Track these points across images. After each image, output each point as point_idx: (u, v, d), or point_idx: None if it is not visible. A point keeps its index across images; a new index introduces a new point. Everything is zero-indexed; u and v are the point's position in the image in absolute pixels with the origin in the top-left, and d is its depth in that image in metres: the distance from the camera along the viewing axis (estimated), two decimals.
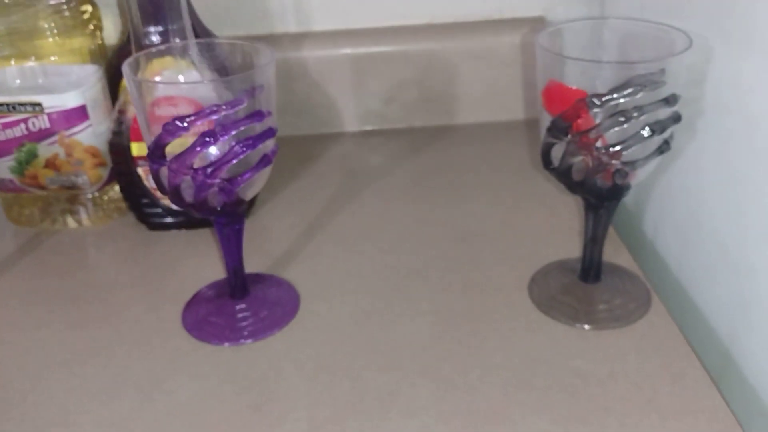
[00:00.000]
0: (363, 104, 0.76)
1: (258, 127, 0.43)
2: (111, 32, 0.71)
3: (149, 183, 0.58)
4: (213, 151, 0.43)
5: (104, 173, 0.61)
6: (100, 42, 0.64)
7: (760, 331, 0.45)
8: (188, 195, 0.44)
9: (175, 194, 0.44)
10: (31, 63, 0.59)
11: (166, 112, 0.43)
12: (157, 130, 0.42)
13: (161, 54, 0.49)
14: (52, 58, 0.59)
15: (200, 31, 0.62)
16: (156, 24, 0.55)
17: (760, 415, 0.45)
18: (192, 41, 0.55)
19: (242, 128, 0.42)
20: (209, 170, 0.42)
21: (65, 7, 0.59)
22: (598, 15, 0.73)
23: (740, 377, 0.47)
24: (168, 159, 0.42)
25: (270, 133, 0.44)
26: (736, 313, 0.48)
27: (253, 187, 0.46)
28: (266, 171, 0.45)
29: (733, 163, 0.47)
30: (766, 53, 0.43)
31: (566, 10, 0.75)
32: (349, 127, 0.77)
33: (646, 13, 0.58)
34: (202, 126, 0.41)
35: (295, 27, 0.76)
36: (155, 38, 0.55)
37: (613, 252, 0.54)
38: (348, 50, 0.74)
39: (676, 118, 0.42)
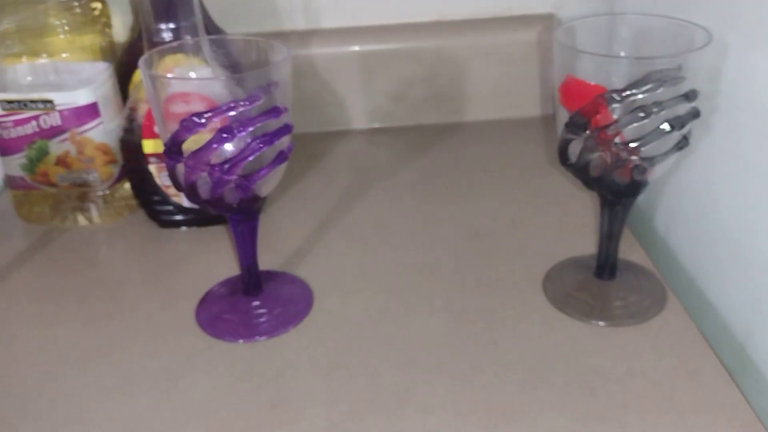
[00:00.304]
0: (371, 102, 0.76)
1: (274, 124, 0.43)
2: (119, 30, 0.70)
3: (160, 180, 0.58)
4: (229, 147, 0.42)
5: (115, 170, 0.60)
6: (110, 39, 0.63)
7: None
8: (204, 192, 0.43)
9: (191, 191, 0.43)
10: (42, 60, 0.58)
11: (181, 108, 0.43)
12: (173, 126, 0.42)
13: (174, 51, 0.48)
14: (63, 55, 0.59)
15: (211, 28, 0.61)
16: (168, 21, 0.55)
17: None
18: (204, 38, 0.55)
19: (259, 125, 0.42)
20: (226, 167, 0.42)
21: (75, 3, 0.59)
22: (608, 11, 0.73)
23: (756, 373, 0.47)
24: (184, 155, 0.42)
25: (286, 129, 0.43)
26: (751, 309, 0.48)
27: (268, 183, 0.45)
28: (281, 168, 0.45)
29: (746, 159, 0.47)
30: None
31: (576, 7, 0.75)
32: (358, 124, 0.77)
33: (657, 8, 0.58)
34: (218, 123, 0.41)
35: (304, 24, 0.76)
36: (167, 35, 0.55)
37: (627, 249, 0.54)
38: (356, 48, 0.74)
39: (696, 114, 0.42)
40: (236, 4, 0.73)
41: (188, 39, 0.54)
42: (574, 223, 0.58)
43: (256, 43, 0.47)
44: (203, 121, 0.40)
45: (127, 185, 0.61)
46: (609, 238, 0.49)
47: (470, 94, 0.76)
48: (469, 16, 0.75)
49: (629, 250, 0.54)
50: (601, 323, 0.47)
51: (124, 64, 0.62)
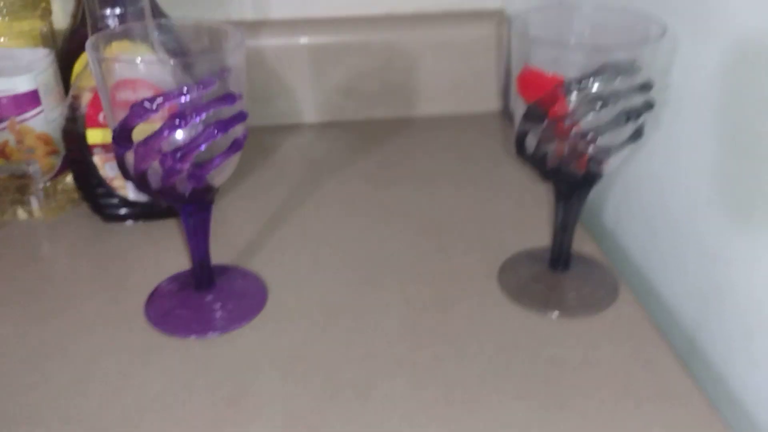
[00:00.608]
0: (322, 95, 0.75)
1: (228, 111, 0.42)
2: (59, 16, 0.68)
3: (105, 172, 0.56)
4: (182, 135, 0.41)
5: (57, 162, 0.58)
6: (50, 25, 0.61)
7: (725, 318, 0.46)
8: (155, 181, 0.42)
9: (141, 180, 0.42)
10: None
11: (129, 96, 0.41)
12: (121, 114, 0.41)
13: (120, 37, 0.47)
14: (1, 40, 0.56)
15: (157, 14, 0.59)
16: (114, 6, 0.53)
17: (726, 400, 0.46)
18: (152, 23, 0.53)
19: (212, 111, 0.41)
20: (178, 155, 0.40)
21: None
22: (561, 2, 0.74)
23: (706, 363, 0.48)
24: (135, 143, 0.41)
25: (241, 116, 0.42)
26: (700, 299, 0.49)
27: (222, 173, 0.44)
28: (235, 157, 0.44)
29: (692, 152, 0.48)
30: (729, 40, 0.43)
31: (525, 2, 0.76)
32: (308, 118, 0.76)
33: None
34: (169, 109, 0.40)
35: (252, 14, 0.74)
36: (112, 21, 0.53)
37: (579, 241, 0.54)
38: (306, 40, 0.73)
39: (650, 105, 0.42)
40: None
41: (135, 24, 0.52)
42: (528, 216, 0.58)
43: (207, 28, 0.45)
44: (155, 106, 0.39)
45: (70, 177, 0.59)
46: (563, 230, 0.49)
47: (423, 89, 0.76)
48: (421, 10, 0.75)
49: (581, 242, 0.55)
50: (557, 314, 0.48)
51: (65, 51, 0.60)
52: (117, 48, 0.47)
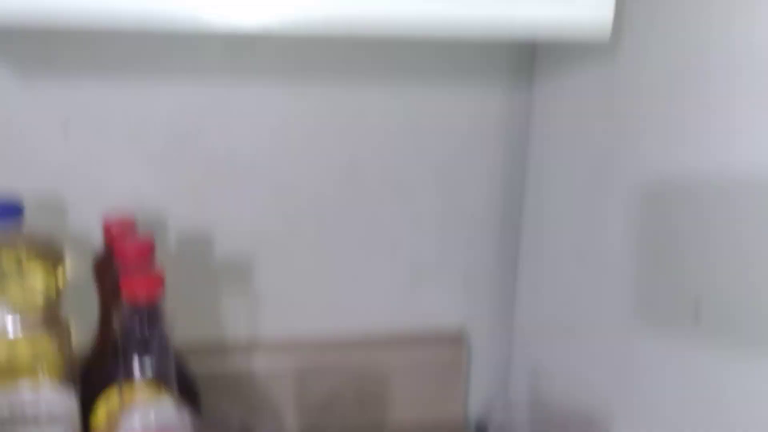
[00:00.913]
0: (302, 410, 0.83)
1: None
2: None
3: None
4: None
5: None
6: (73, 362, 0.64)
7: None
8: None
9: None
10: (12, 393, 0.59)
11: None
12: None
13: (144, 383, 0.54)
14: (33, 386, 0.60)
15: (179, 362, 0.65)
16: (141, 356, 0.56)
17: None
18: (173, 374, 0.60)
19: None
20: None
21: (44, 331, 0.61)
22: (509, 325, 0.85)
23: None
24: None
25: None
26: None
27: None
28: None
29: None
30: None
31: (481, 322, 0.87)
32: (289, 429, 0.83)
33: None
34: None
35: (245, 332, 0.83)
36: (138, 366, 0.56)
37: None
38: (291, 362, 0.82)
39: None
40: (180, 308, 0.75)
41: (161, 374, 0.57)
42: None
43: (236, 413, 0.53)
44: None
45: None
46: None
47: (394, 401, 0.85)
48: (392, 332, 0.86)
49: None
50: None
51: (82, 386, 0.63)
52: (141, 393, 0.55)
